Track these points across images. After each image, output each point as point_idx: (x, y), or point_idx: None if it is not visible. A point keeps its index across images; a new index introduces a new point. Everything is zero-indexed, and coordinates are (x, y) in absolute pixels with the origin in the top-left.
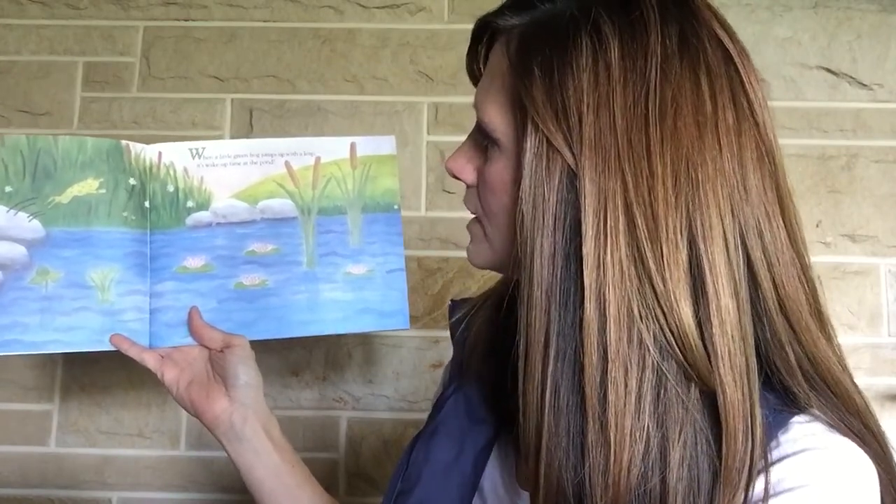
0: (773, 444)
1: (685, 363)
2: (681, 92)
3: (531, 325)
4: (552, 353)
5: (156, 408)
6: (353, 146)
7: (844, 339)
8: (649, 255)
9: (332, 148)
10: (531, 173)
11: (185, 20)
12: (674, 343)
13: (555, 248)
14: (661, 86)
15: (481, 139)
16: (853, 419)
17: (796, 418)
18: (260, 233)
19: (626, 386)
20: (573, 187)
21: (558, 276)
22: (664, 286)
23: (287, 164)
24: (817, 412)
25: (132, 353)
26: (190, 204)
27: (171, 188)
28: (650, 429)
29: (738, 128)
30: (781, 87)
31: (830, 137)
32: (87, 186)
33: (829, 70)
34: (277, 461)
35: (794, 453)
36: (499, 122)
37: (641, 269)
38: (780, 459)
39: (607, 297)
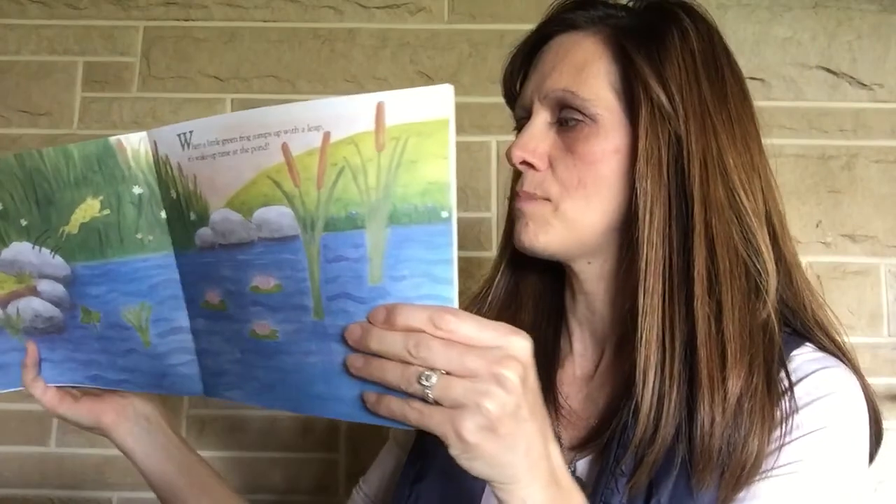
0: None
1: (761, 285)
2: (738, 76)
3: (649, 265)
4: (667, 288)
5: None
6: (380, 108)
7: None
8: (742, 194)
9: (348, 114)
10: (646, 136)
11: (185, 20)
12: (758, 266)
13: (669, 193)
14: (729, 69)
15: (565, 119)
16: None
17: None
18: (260, 259)
19: (731, 301)
20: (679, 145)
21: (672, 214)
22: (749, 220)
23: (284, 147)
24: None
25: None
26: (192, 216)
27: (174, 194)
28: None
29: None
30: (781, 87)
31: (830, 137)
32: (89, 209)
33: (829, 70)
34: (188, 452)
35: (814, 371)
36: (603, 98)
37: (736, 205)
38: (803, 377)
39: (713, 225)
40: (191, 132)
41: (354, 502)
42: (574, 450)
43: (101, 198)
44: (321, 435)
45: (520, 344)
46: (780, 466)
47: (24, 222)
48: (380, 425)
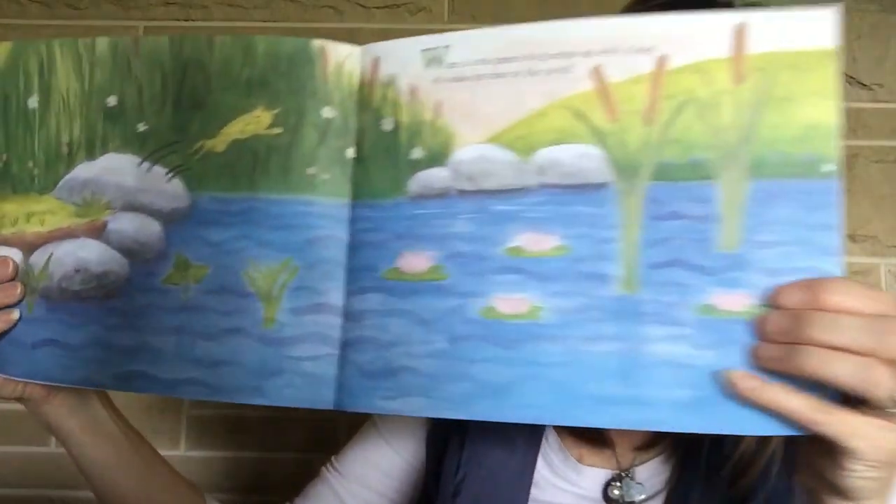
0: None
1: None
2: None
3: None
4: None
5: (156, 408)
6: (740, 32)
7: None
8: None
9: (695, 35)
10: None
11: (185, 20)
12: None
13: None
14: None
15: None
16: None
17: None
18: (535, 212)
19: None
20: None
21: None
22: None
23: (597, 71)
24: None
25: None
26: (416, 154)
27: (387, 125)
28: None
29: None
30: None
31: None
32: (255, 123)
33: None
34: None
35: None
36: None
37: None
38: None
39: None
40: (446, 47)
41: (326, 481)
42: (638, 450)
43: (276, 111)
44: (321, 435)
45: None
46: None
47: (142, 127)
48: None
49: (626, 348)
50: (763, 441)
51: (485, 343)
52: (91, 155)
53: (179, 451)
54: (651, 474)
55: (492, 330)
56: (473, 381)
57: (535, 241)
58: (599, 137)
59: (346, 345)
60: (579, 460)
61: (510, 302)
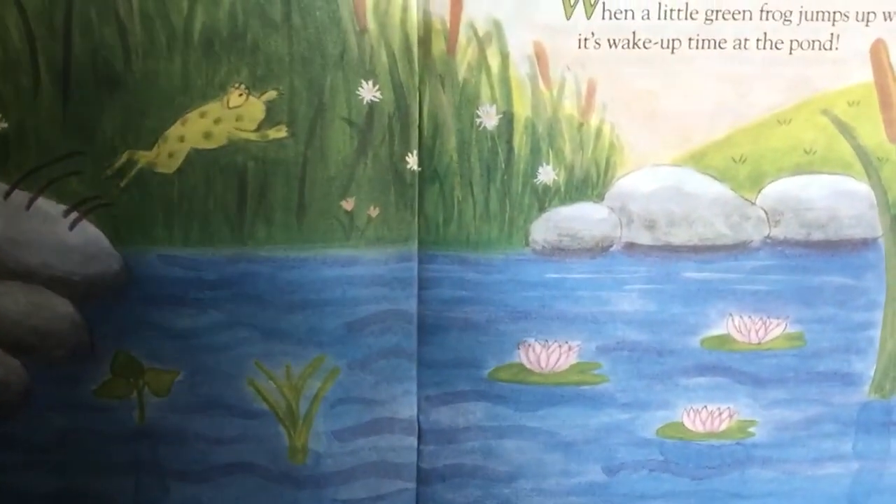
0: None
1: None
2: None
3: None
4: None
5: None
6: None
7: None
8: None
9: None
10: None
11: None
12: None
13: None
14: None
15: None
16: None
17: None
18: (756, 284)
19: None
20: None
21: None
22: None
23: (879, 48)
24: None
25: None
26: (546, 176)
27: (487, 119)
28: None
29: None
30: None
31: None
32: (233, 117)
33: None
34: None
35: None
36: None
37: None
38: None
39: None
40: None
41: None
42: None
43: (271, 92)
44: None
45: None
46: None
47: None
48: None
49: (864, 469)
50: None
51: (664, 473)
52: None
53: None
54: None
55: (676, 455)
56: None
57: (753, 329)
58: (871, 165)
59: (427, 478)
60: None
61: (707, 415)
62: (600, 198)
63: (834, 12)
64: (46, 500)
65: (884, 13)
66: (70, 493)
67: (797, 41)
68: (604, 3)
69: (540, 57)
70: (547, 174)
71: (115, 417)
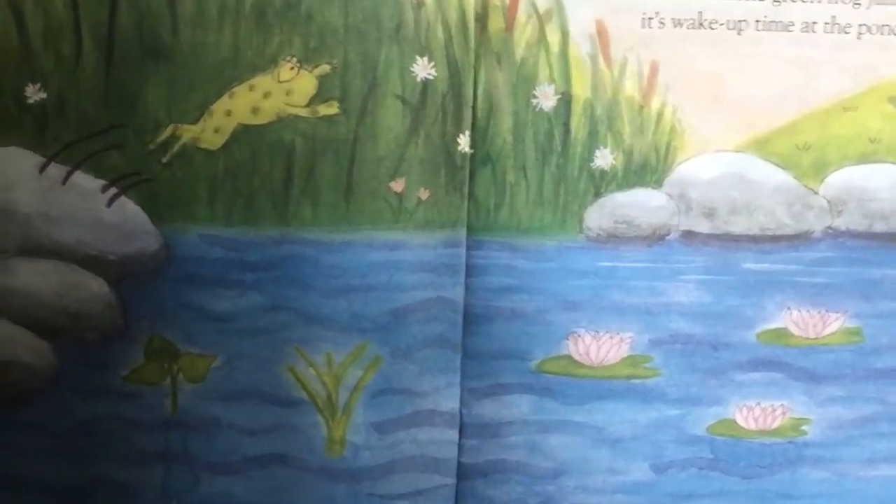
0: None
1: None
2: None
3: None
4: None
5: None
6: None
7: None
8: None
9: None
10: None
11: None
12: None
13: None
14: None
15: None
16: None
17: None
18: (816, 276)
19: None
20: None
21: None
22: None
23: None
24: None
25: None
26: (603, 160)
27: (544, 99)
28: None
29: None
30: None
31: None
32: (283, 92)
33: None
34: None
35: None
36: None
37: None
38: None
39: None
40: None
41: None
42: None
43: (322, 68)
44: None
45: None
46: None
47: (35, 95)
48: None
49: None
50: None
51: (714, 472)
52: None
53: None
54: None
55: (726, 453)
56: None
57: (811, 323)
58: None
59: (468, 473)
60: None
61: (760, 412)
62: (659, 184)
63: None
64: (68, 491)
65: None
66: (93, 484)
67: (866, 25)
68: None
69: (601, 35)
70: (604, 158)
71: (145, 404)
